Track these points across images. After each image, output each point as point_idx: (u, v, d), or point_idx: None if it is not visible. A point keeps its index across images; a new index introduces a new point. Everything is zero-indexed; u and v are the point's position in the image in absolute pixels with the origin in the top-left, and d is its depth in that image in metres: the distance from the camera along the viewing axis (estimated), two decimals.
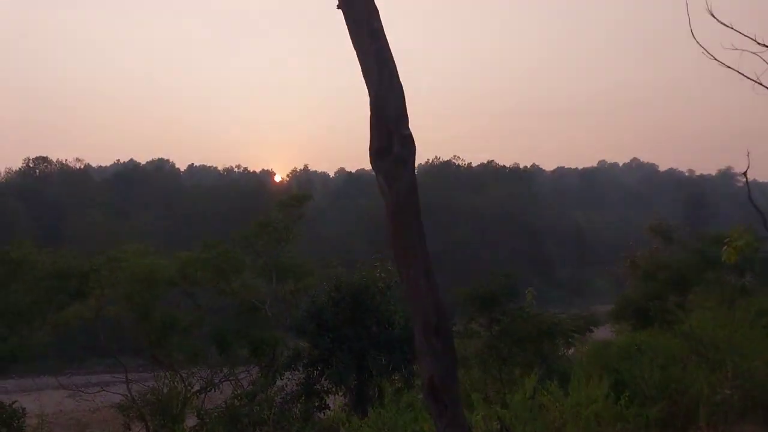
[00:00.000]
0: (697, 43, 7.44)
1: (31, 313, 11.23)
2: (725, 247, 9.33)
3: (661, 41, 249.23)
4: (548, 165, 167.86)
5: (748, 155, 9.80)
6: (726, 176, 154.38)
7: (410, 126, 5.97)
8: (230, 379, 13.26)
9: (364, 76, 5.89)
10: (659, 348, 13.09)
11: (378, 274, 16.36)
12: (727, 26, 7.22)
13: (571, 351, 13.14)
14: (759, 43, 8.17)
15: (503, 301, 10.18)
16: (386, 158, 5.80)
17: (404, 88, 5.74)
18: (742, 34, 6.67)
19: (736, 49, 8.12)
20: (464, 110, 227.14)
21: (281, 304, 14.34)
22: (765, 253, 14.32)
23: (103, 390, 14.01)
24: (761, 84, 8.17)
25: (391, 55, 5.84)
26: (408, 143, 5.86)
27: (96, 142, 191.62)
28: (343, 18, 6.02)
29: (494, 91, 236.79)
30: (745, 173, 10.60)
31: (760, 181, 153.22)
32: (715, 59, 8.30)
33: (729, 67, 8.20)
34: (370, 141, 5.96)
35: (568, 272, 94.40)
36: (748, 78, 8.06)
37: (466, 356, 10.76)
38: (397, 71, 5.84)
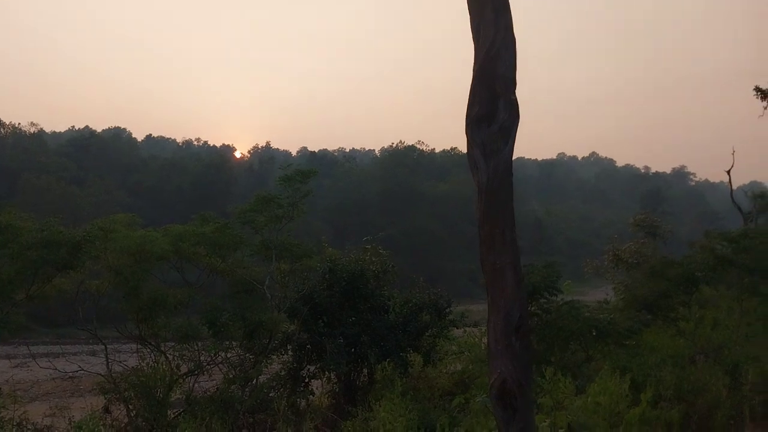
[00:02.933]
0: None
1: (13, 285, 10.19)
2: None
3: (623, 39, 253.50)
4: None
5: (733, 154, 9.27)
6: (680, 175, 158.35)
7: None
8: (219, 363, 12.44)
9: (474, 29, 5.15)
10: (667, 346, 12.87)
11: (369, 258, 15.76)
12: None
13: None
14: None
15: (545, 295, 9.60)
16: (488, 127, 5.10)
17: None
18: None
19: None
20: (426, 96, 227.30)
21: (276, 285, 13.55)
22: None
23: (81, 369, 12.98)
24: None
25: (509, 4, 5.14)
26: (514, 110, 5.17)
27: (50, 106, 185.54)
28: None
29: (458, 78, 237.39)
30: (728, 171, 10.16)
31: (712, 180, 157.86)
32: None
33: None
34: (469, 107, 5.22)
35: (525, 262, 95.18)
36: None
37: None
38: (512, 23, 5.13)
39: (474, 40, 5.05)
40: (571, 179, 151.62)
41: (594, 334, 8.91)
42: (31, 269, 10.33)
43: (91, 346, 17.21)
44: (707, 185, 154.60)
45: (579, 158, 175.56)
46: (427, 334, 14.70)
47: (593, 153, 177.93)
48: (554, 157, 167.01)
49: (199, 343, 12.28)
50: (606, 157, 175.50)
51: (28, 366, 17.07)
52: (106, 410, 11.79)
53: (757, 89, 19.25)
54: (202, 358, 12.30)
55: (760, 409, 10.42)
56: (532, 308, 9.42)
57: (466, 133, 5.06)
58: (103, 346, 12.81)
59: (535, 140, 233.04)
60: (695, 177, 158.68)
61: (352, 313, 14.36)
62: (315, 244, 17.06)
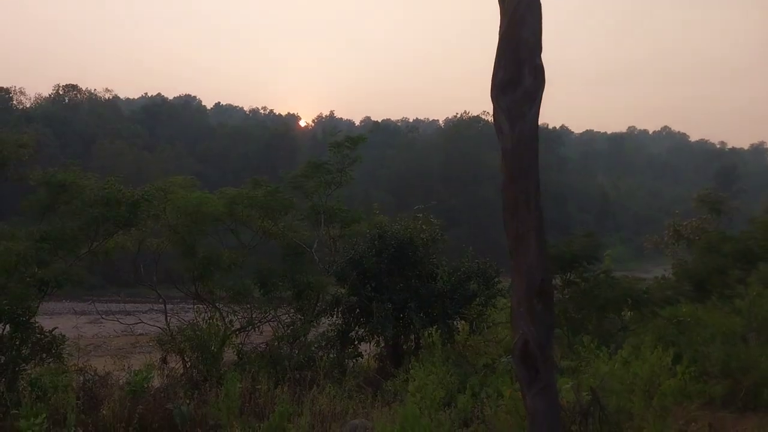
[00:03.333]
0: None
1: (77, 240, 10.88)
2: None
3: (698, 9, 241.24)
4: (577, 127, 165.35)
5: None
6: (758, 151, 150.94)
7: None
8: (271, 321, 12.96)
9: None
10: (719, 323, 12.60)
11: (420, 226, 15.91)
12: None
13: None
14: None
15: (584, 264, 9.62)
16: (513, 92, 5.13)
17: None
18: None
19: None
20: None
21: (324, 248, 13.93)
22: None
23: (141, 321, 13.82)
24: None
25: None
26: (539, 75, 5.19)
27: (125, 74, 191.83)
28: None
29: None
30: None
31: None
32: None
33: None
34: (494, 72, 5.27)
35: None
36: None
37: None
38: None
39: (499, 4, 5.07)
40: (642, 154, 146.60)
41: (629, 302, 8.87)
42: (93, 225, 10.98)
43: (160, 305, 18.18)
44: None
45: (650, 132, 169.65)
46: (474, 302, 14.80)
47: (665, 127, 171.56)
48: (624, 131, 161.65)
49: (252, 302, 12.82)
50: (678, 131, 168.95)
51: (101, 323, 18.14)
52: (164, 361, 12.51)
53: None
54: (253, 315, 12.87)
55: None
56: (571, 277, 9.42)
57: (491, 98, 5.11)
58: (163, 303, 13.57)
59: (604, 113, 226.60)
60: None
61: (400, 279, 14.59)
62: (370, 211, 17.30)
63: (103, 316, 15.41)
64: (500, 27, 5.09)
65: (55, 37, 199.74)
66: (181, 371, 12.29)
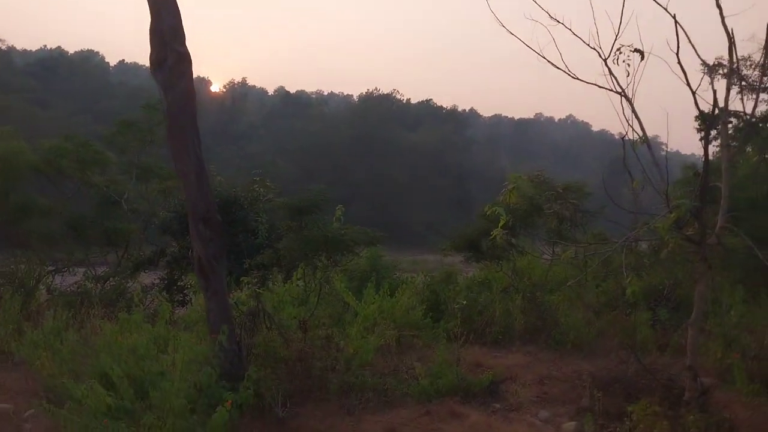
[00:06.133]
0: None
1: None
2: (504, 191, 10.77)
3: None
4: (485, 111, 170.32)
5: (629, 122, 10.94)
6: (653, 143, 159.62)
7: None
8: (85, 263, 14.19)
9: None
10: (492, 280, 14.90)
11: (257, 189, 17.37)
12: None
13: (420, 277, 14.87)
14: (551, 17, 9.37)
15: (308, 213, 11.66)
16: (163, 69, 6.86)
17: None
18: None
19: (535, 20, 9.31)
20: (406, 46, 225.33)
21: (145, 201, 15.19)
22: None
23: None
24: (543, 57, 9.30)
25: None
26: (182, 59, 6.91)
27: (23, 24, 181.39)
28: None
29: (442, 30, 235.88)
30: (623, 138, 11.95)
31: (683, 153, 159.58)
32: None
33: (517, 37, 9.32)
34: (150, 52, 6.97)
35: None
36: (533, 50, 9.17)
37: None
38: None
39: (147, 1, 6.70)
40: (546, 141, 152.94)
41: (323, 242, 10.94)
42: None
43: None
44: (677, 156, 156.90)
45: (556, 119, 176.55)
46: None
47: (570, 115, 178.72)
48: (532, 117, 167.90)
49: (66, 246, 13.96)
50: (582, 121, 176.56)
51: None
52: None
53: (704, 64, 20.29)
54: (69, 258, 14.02)
55: (524, 327, 12.50)
56: (302, 222, 11.42)
57: (151, 72, 6.79)
58: None
59: (514, 98, 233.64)
60: (666, 147, 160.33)
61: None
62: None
63: None
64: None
65: None
66: None
